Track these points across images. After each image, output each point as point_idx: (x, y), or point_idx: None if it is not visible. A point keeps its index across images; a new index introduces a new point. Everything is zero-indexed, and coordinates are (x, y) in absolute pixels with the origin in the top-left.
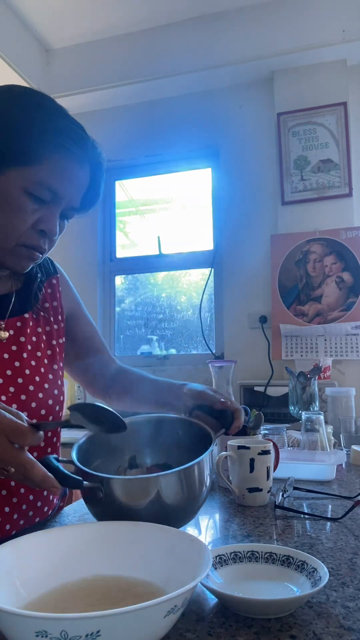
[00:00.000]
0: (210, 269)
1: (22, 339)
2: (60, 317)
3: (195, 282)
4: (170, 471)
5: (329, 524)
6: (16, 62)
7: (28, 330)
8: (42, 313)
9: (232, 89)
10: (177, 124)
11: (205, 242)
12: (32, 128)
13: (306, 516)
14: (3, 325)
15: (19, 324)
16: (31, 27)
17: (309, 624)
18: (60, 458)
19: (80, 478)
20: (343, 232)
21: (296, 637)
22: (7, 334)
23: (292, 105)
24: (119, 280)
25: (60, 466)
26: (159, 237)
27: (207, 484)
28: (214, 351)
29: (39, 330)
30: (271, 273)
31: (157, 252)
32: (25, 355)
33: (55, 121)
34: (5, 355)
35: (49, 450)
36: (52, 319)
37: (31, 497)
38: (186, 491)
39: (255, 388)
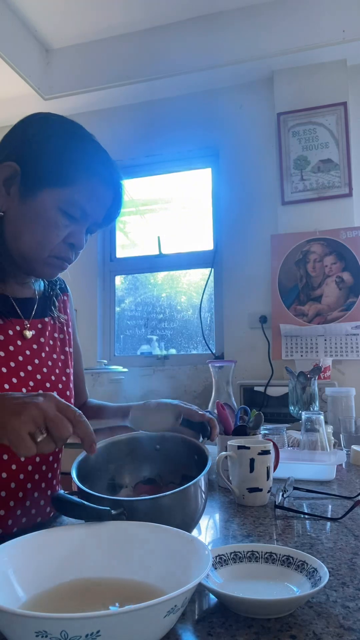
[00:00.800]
0: (210, 269)
1: (42, 339)
2: (70, 329)
3: (195, 282)
4: (195, 480)
5: (329, 524)
6: (16, 62)
7: (47, 333)
8: (57, 322)
9: (232, 89)
10: (177, 124)
11: (205, 242)
12: (68, 154)
13: (306, 516)
14: (28, 325)
15: (40, 326)
16: (31, 27)
17: (309, 624)
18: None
19: (108, 507)
20: (343, 232)
21: (296, 637)
22: (31, 333)
23: (292, 105)
24: (119, 280)
25: (84, 501)
26: (159, 237)
27: (204, 493)
28: (214, 351)
29: (55, 335)
30: (271, 273)
31: (157, 252)
32: (43, 355)
33: (87, 148)
34: (27, 352)
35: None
36: (64, 328)
37: (36, 495)
38: (201, 498)
39: (255, 388)
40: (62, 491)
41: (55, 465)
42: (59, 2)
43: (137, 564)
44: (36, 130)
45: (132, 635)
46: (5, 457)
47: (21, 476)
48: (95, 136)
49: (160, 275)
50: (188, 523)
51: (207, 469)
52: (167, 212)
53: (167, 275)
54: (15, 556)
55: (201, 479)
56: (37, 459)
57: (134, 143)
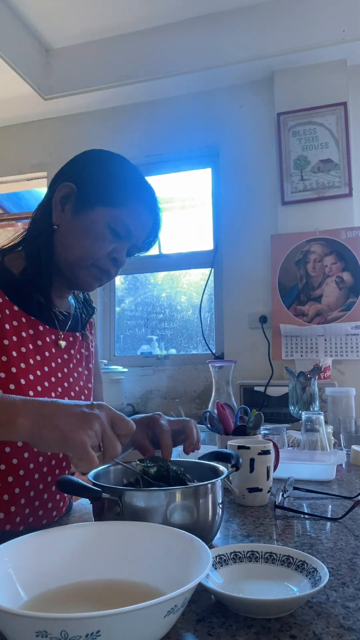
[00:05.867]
0: (210, 269)
1: (72, 351)
2: (93, 349)
3: (195, 282)
4: (190, 485)
5: (329, 524)
6: (16, 62)
7: (76, 347)
8: (85, 339)
9: (232, 89)
10: (177, 124)
11: (205, 242)
12: (119, 179)
13: (306, 516)
14: (62, 336)
15: (71, 339)
16: (31, 27)
17: (309, 624)
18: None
19: (99, 489)
20: (343, 232)
21: (296, 637)
22: (64, 344)
23: (292, 105)
24: (119, 280)
25: (79, 480)
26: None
27: (220, 508)
28: (214, 351)
29: (82, 350)
30: (271, 273)
31: (157, 252)
32: (71, 365)
33: (136, 177)
34: (59, 360)
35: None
36: (89, 346)
37: (45, 496)
38: (202, 510)
39: (255, 388)
40: (67, 475)
41: (67, 472)
42: (59, 2)
43: (137, 564)
44: (92, 159)
45: (132, 635)
46: (25, 455)
47: (36, 476)
48: (96, 136)
49: (160, 275)
50: (192, 530)
51: (221, 478)
52: (167, 212)
53: (167, 275)
54: (16, 556)
55: (209, 487)
56: (53, 462)
57: (133, 143)
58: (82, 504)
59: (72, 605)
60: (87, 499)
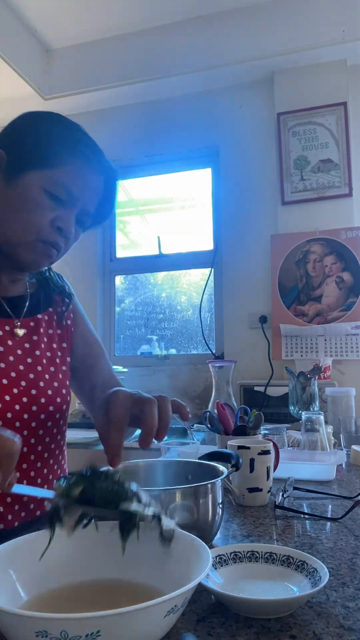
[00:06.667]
0: (210, 269)
1: (35, 337)
2: (69, 321)
3: (195, 282)
4: (187, 486)
5: (329, 524)
6: (16, 62)
7: (41, 330)
8: (54, 316)
9: (232, 89)
10: (177, 124)
11: (205, 242)
12: (51, 137)
13: (306, 516)
14: (19, 324)
15: (32, 324)
16: (31, 27)
17: (309, 624)
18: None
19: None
20: (343, 232)
21: (296, 637)
22: (22, 332)
23: (292, 105)
24: (119, 280)
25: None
26: (159, 237)
27: (220, 508)
28: (214, 351)
29: (51, 331)
30: (271, 273)
31: (157, 252)
32: (38, 352)
33: (71, 132)
34: (19, 352)
35: (53, 446)
36: (63, 321)
37: None
38: (202, 510)
39: (255, 388)
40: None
41: (56, 466)
42: (59, 2)
43: (137, 564)
44: (21, 122)
45: (132, 635)
46: None
47: (17, 474)
48: (96, 136)
49: (160, 275)
50: (192, 530)
51: (221, 477)
52: (167, 212)
53: (167, 275)
54: (16, 556)
55: (209, 487)
56: (32, 456)
57: (134, 143)
58: None
59: (72, 605)
60: None
